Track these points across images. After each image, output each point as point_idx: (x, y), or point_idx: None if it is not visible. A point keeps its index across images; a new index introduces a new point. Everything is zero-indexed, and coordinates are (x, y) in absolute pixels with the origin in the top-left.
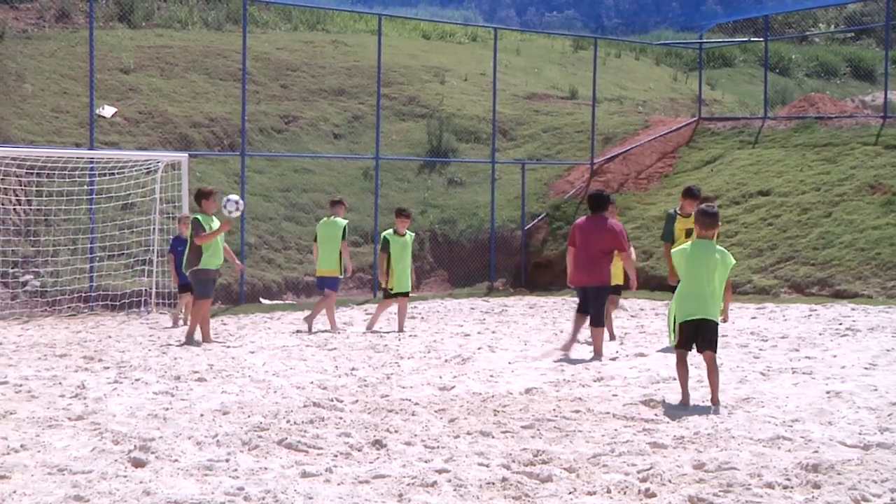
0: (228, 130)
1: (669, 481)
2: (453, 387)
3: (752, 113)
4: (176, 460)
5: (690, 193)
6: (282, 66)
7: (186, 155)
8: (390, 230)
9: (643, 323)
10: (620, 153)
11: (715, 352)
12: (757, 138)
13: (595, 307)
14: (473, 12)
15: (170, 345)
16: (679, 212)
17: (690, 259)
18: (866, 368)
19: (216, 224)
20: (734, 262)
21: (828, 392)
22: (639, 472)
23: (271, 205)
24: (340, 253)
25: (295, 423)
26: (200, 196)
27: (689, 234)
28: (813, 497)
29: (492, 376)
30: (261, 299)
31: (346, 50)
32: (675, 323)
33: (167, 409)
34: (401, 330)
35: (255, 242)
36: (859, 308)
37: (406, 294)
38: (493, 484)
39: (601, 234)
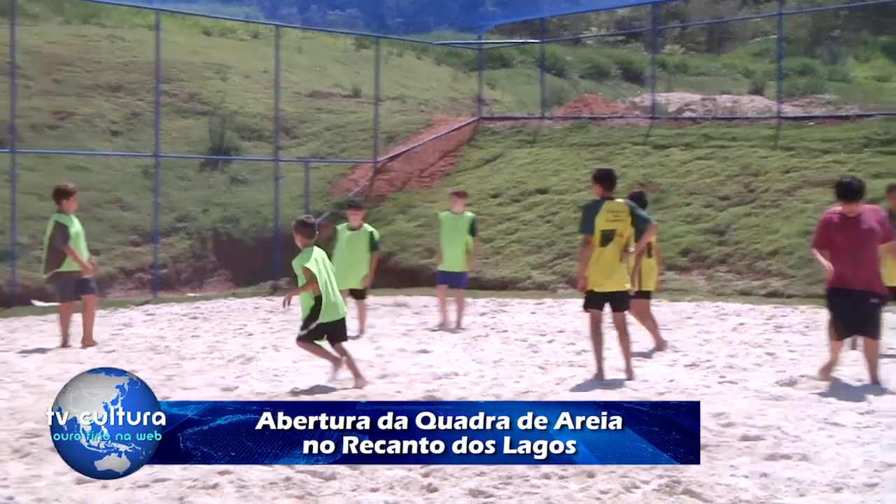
0: None
1: (451, 475)
2: (237, 387)
3: (529, 113)
4: None
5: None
6: (54, 61)
7: None
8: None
9: (427, 320)
10: (404, 151)
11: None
12: (535, 138)
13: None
14: (254, 9)
15: None
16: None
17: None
18: (639, 360)
19: (77, 226)
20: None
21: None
22: (421, 467)
23: (45, 204)
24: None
25: None
26: (60, 195)
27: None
28: (588, 486)
29: (276, 376)
30: (34, 301)
31: (124, 45)
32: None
33: None
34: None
35: (28, 242)
36: None
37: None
38: (277, 484)
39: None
